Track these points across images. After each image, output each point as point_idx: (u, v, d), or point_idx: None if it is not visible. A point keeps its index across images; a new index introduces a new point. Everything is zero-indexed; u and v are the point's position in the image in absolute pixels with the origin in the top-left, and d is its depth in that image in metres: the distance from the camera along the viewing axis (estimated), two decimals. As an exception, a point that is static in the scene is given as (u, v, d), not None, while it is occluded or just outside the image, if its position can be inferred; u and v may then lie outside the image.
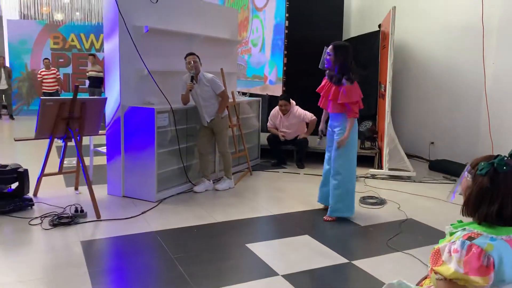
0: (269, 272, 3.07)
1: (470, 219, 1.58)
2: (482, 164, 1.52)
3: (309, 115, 6.34)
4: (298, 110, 6.37)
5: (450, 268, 1.46)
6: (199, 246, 3.50)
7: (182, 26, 5.26)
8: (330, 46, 3.99)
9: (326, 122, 4.30)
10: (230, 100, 5.64)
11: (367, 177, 5.83)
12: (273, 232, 3.98)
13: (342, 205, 4.12)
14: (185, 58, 4.80)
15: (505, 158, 1.50)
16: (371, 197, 4.83)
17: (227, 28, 6.20)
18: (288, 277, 2.99)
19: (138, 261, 3.21)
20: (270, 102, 7.75)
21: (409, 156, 6.75)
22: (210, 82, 4.82)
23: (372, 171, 5.96)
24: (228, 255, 3.37)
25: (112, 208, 4.35)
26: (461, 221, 1.60)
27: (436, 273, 1.50)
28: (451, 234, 1.57)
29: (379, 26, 7.00)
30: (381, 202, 4.71)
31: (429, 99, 7.10)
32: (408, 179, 5.79)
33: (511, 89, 5.72)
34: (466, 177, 1.59)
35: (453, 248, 1.47)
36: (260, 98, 6.81)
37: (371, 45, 7.37)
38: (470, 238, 1.45)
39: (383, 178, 5.80)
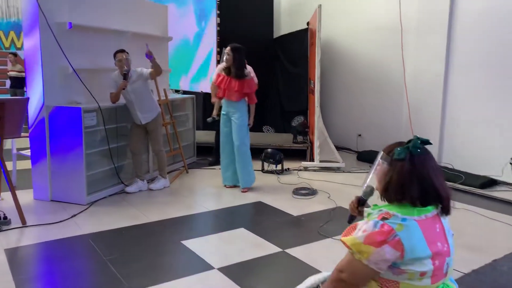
0: (205, 266, 3.10)
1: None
2: (399, 149, 1.58)
3: (256, 81, 5.42)
4: (249, 68, 5.54)
5: (354, 237, 1.54)
6: (133, 247, 3.45)
7: (109, 23, 5.11)
8: (228, 47, 4.74)
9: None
10: (163, 97, 5.58)
11: (300, 170, 6.03)
12: (209, 228, 4.01)
13: (250, 175, 4.99)
14: (115, 55, 4.67)
15: (418, 142, 1.58)
16: (304, 188, 5.01)
17: (157, 25, 6.11)
18: (224, 269, 3.04)
19: (68, 266, 3.10)
20: (204, 99, 7.75)
21: (339, 148, 7.07)
22: (139, 74, 4.73)
23: (305, 163, 6.17)
24: (163, 253, 3.35)
25: (39, 213, 4.15)
26: (377, 205, 1.66)
27: (343, 242, 1.58)
28: (369, 215, 1.63)
29: (308, 24, 7.24)
30: (312, 192, 4.90)
31: (356, 94, 7.47)
32: (338, 170, 6.07)
33: (428, 84, 6.18)
34: (381, 164, 1.64)
35: (363, 228, 1.55)
36: (194, 96, 6.77)
37: (301, 42, 7.60)
38: (384, 219, 1.52)
39: (315, 170, 6.03)
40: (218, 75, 4.94)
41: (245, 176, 4.96)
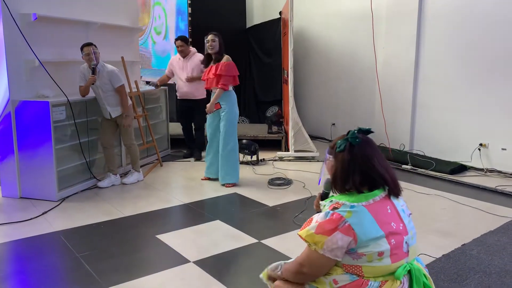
0: (181, 260, 3.08)
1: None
2: (339, 142, 1.68)
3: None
4: (200, 56, 5.66)
5: (307, 229, 1.61)
6: (107, 242, 3.39)
7: (76, 13, 4.96)
8: (211, 35, 4.67)
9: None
10: (134, 90, 5.48)
11: (275, 160, 6.05)
12: (184, 221, 3.98)
13: (236, 171, 4.86)
14: (82, 48, 4.54)
15: (355, 132, 1.68)
16: (279, 179, 5.03)
17: (127, 15, 5.97)
18: (200, 262, 3.03)
19: (40, 264, 3.02)
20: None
21: (313, 137, 7.12)
22: (109, 74, 4.62)
23: (280, 154, 6.19)
24: (137, 248, 3.31)
25: (8, 211, 4.03)
26: (333, 196, 1.74)
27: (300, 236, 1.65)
28: (324, 207, 1.71)
29: (280, 13, 7.21)
30: (287, 182, 4.92)
31: (329, 83, 7.52)
32: (312, 159, 6.12)
33: (398, 72, 6.27)
34: (328, 158, 1.73)
35: (316, 219, 1.62)
36: (166, 87, 6.67)
37: (274, 32, 7.58)
38: (334, 208, 1.60)
39: (290, 160, 6.07)
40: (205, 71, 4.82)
41: (231, 172, 4.82)
